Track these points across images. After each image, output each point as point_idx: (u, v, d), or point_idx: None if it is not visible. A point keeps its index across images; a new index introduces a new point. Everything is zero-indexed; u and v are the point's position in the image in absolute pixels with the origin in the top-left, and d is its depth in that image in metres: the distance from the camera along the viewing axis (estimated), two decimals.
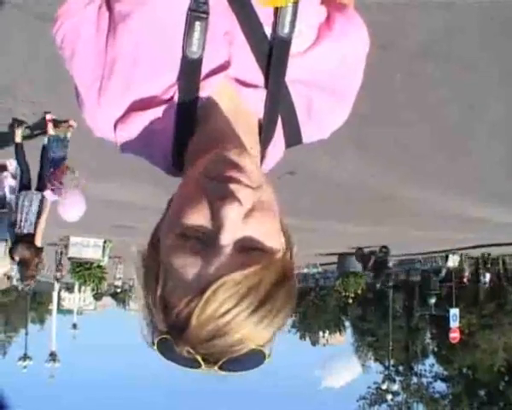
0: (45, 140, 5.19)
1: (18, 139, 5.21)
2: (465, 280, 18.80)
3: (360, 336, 32.65)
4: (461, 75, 4.11)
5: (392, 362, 25.71)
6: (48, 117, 5.11)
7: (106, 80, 0.86)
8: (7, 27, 3.81)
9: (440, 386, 26.69)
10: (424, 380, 26.98)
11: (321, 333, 36.78)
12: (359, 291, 20.29)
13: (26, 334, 28.23)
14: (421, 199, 8.06)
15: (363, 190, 7.64)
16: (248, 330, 0.68)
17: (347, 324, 35.19)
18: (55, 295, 32.16)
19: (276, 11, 0.86)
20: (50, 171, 5.14)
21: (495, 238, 13.91)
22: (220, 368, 0.70)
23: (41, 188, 5.21)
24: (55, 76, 4.55)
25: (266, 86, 0.89)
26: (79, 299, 38.74)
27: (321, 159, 5.20)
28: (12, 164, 5.45)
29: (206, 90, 0.86)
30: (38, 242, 5.28)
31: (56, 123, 5.15)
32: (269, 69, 0.88)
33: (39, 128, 5.39)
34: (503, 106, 4.55)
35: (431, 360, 27.93)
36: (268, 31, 0.87)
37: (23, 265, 5.28)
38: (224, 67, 0.86)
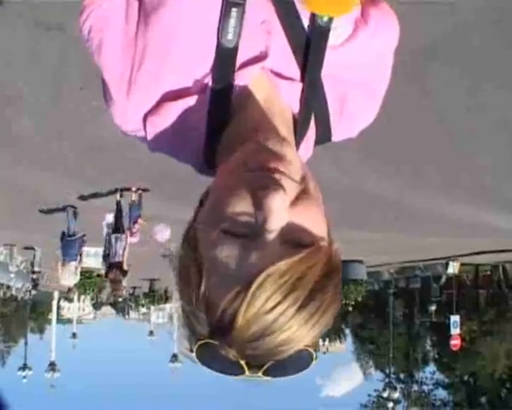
0: (129, 203, 7.80)
1: (118, 198, 7.83)
2: None
3: (360, 343, 32.57)
4: (466, 77, 4.11)
5: (392, 370, 25.65)
6: (138, 191, 7.66)
7: (136, 71, 0.82)
8: (8, 35, 3.80)
9: (441, 394, 26.68)
10: (425, 388, 26.95)
11: (321, 341, 36.56)
12: (359, 299, 20.28)
13: (26, 344, 28.16)
14: (422, 205, 8.05)
15: (364, 196, 7.63)
16: (297, 328, 0.64)
17: (347, 331, 35.11)
18: (54, 304, 32.13)
19: None
20: (131, 224, 7.82)
21: (495, 245, 13.90)
22: (265, 373, 0.66)
23: (124, 232, 7.86)
24: (57, 85, 4.55)
25: (302, 80, 0.86)
26: (79, 308, 38.66)
27: (322, 163, 5.20)
28: (109, 217, 8.18)
29: (242, 80, 0.83)
30: (125, 266, 7.90)
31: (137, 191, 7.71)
32: (306, 62, 0.85)
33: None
34: (507, 108, 4.54)
35: (432, 367, 27.91)
36: (306, 22, 0.84)
37: (114, 282, 8.03)
38: (260, 58, 0.83)
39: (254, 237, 0.65)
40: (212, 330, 0.66)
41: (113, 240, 7.90)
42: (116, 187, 7.75)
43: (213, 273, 0.66)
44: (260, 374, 0.66)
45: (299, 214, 0.67)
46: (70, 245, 8.40)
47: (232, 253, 0.65)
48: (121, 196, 7.85)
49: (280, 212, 0.64)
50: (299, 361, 0.67)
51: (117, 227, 7.94)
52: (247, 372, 0.66)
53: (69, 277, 8.67)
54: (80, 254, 8.72)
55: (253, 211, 0.65)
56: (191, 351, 0.68)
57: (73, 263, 8.54)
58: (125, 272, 7.97)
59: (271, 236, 0.64)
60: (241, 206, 0.66)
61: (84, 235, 8.56)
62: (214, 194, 0.72)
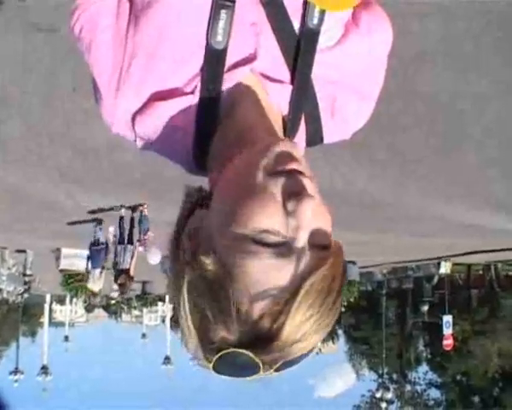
0: (139, 218, 8.64)
1: (124, 213, 8.79)
2: None
3: (353, 344, 32.60)
4: (456, 80, 4.14)
5: (385, 370, 25.72)
6: (144, 207, 8.48)
7: (125, 71, 0.83)
8: (1, 36, 3.78)
9: (434, 393, 26.75)
10: (418, 388, 27.01)
11: None
12: (352, 299, 20.30)
13: (18, 347, 28.01)
14: (415, 205, 8.08)
15: (356, 197, 7.65)
16: (322, 330, 0.67)
17: (340, 332, 35.15)
18: (46, 307, 31.97)
19: (305, 3, 0.84)
20: (141, 236, 8.68)
21: (487, 244, 13.96)
22: (276, 370, 0.67)
23: (131, 242, 8.83)
24: (49, 88, 4.54)
25: (291, 82, 0.86)
26: (71, 311, 38.52)
27: (316, 164, 5.21)
28: (111, 230, 9.13)
29: (231, 82, 0.83)
30: (132, 273, 8.97)
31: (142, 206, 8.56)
32: (295, 64, 0.85)
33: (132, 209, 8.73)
34: (497, 110, 4.58)
35: (425, 367, 27.96)
36: (296, 25, 0.85)
37: (122, 286, 9.17)
38: (249, 60, 0.83)
39: (287, 246, 0.65)
40: (243, 339, 0.66)
41: (121, 250, 8.91)
42: (121, 204, 8.67)
43: (245, 284, 0.66)
44: (272, 371, 0.68)
45: (319, 218, 0.67)
46: (96, 254, 9.60)
47: (267, 263, 0.65)
48: (133, 210, 8.75)
49: (310, 220, 0.65)
50: (304, 357, 0.69)
51: (124, 238, 8.93)
52: (261, 372, 0.67)
53: (95, 282, 9.89)
54: (105, 262, 9.79)
55: (284, 219, 0.65)
56: (207, 360, 0.68)
57: (99, 270, 9.76)
58: (131, 278, 9.13)
59: (304, 245, 0.65)
60: (272, 214, 0.65)
61: (107, 244, 9.53)
62: (229, 200, 0.70)
